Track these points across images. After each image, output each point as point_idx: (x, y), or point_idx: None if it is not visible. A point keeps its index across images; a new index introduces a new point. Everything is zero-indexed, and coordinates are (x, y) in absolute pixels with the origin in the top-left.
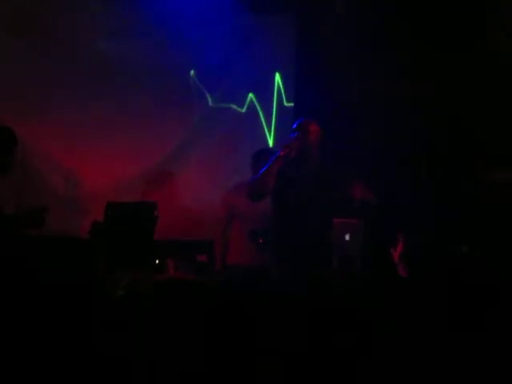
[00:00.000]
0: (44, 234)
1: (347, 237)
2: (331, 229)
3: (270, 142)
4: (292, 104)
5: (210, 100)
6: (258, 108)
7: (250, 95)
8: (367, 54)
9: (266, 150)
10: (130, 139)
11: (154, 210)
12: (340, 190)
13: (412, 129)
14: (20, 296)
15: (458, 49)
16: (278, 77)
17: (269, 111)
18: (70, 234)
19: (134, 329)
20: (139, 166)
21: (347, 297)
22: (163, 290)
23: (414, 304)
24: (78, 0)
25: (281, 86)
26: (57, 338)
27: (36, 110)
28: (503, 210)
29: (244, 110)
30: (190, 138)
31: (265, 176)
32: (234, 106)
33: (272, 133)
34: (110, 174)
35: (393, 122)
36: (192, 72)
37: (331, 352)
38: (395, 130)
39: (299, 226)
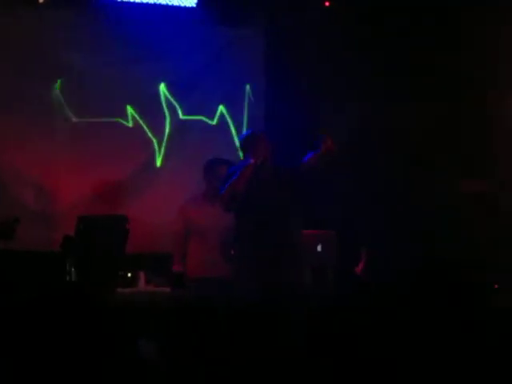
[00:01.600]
0: (15, 248)
1: (319, 248)
2: (301, 237)
3: (241, 154)
4: (262, 116)
5: (180, 112)
6: (229, 120)
7: (221, 107)
8: (335, 65)
9: (219, 161)
10: (101, 151)
11: (125, 223)
12: (295, 173)
13: (381, 141)
14: None
15: (430, 66)
16: (248, 89)
17: (239, 123)
18: (42, 248)
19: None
20: (110, 180)
21: (319, 307)
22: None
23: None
24: (47, 13)
25: (251, 97)
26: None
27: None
28: (474, 218)
29: (215, 122)
30: (160, 150)
31: (238, 184)
32: (204, 119)
33: None
34: (81, 189)
35: (362, 132)
36: (162, 85)
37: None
38: (364, 140)
39: (268, 234)
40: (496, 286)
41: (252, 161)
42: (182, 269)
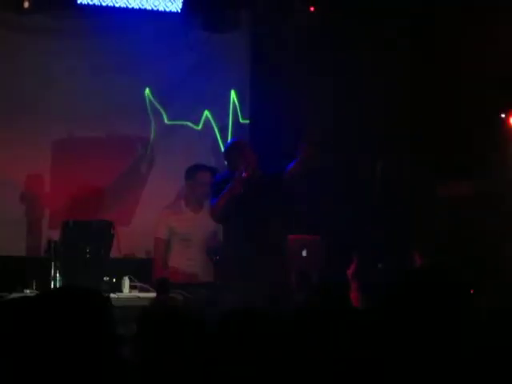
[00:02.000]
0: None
1: (304, 253)
2: (286, 241)
3: (227, 163)
4: (248, 121)
5: (165, 117)
6: (214, 125)
7: (206, 112)
8: (322, 70)
9: (200, 167)
10: (86, 157)
11: (111, 228)
12: (278, 181)
13: (366, 145)
14: None
15: (415, 72)
16: (233, 94)
17: (225, 128)
18: (26, 253)
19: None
20: (95, 185)
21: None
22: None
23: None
24: (29, 21)
25: (236, 103)
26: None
27: None
28: (459, 222)
29: (200, 127)
30: (145, 155)
31: (229, 197)
32: (189, 124)
33: None
34: (66, 194)
35: (346, 138)
36: (147, 90)
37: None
38: (349, 145)
39: (257, 241)
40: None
41: (245, 175)
42: (165, 274)
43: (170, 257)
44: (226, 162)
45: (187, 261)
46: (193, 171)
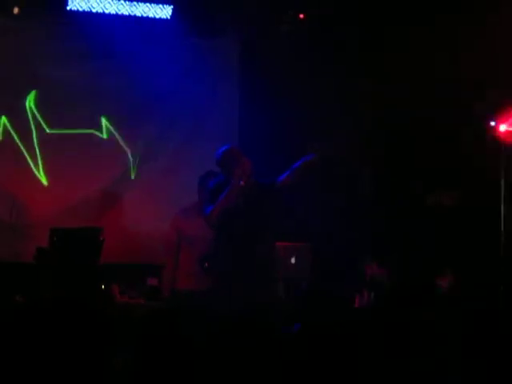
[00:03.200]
0: None
1: (293, 260)
2: (276, 252)
3: (221, 169)
4: (236, 126)
5: (154, 124)
6: (203, 131)
7: (195, 118)
8: (311, 75)
9: (210, 174)
10: (76, 163)
11: (99, 234)
12: (270, 190)
13: (356, 152)
14: None
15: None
16: (222, 99)
17: (214, 134)
18: (15, 259)
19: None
20: (84, 191)
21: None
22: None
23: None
24: (21, 23)
25: (225, 108)
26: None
27: None
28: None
29: (188, 133)
30: (135, 162)
31: (225, 205)
32: (178, 129)
33: None
34: (55, 200)
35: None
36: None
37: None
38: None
39: (247, 250)
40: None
41: (242, 183)
42: (172, 280)
43: (179, 261)
44: (220, 169)
45: (194, 266)
46: (202, 180)
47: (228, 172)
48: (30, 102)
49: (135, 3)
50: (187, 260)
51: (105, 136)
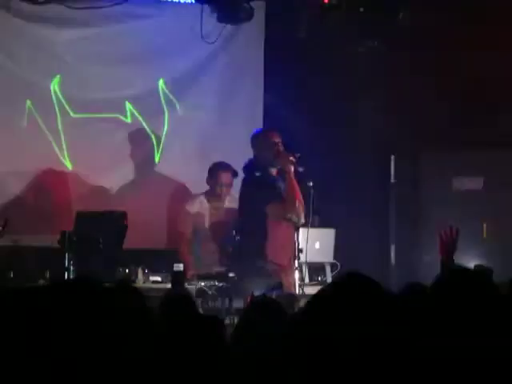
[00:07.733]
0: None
1: (317, 245)
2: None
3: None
4: (261, 111)
5: (179, 108)
6: (229, 116)
7: (219, 103)
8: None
9: (221, 165)
10: (99, 147)
11: (124, 219)
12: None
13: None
14: None
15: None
16: (246, 84)
17: (239, 119)
18: (41, 243)
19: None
20: (108, 175)
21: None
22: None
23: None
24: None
25: (250, 93)
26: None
27: None
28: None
29: (214, 117)
30: (159, 146)
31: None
32: (203, 114)
33: None
34: (80, 185)
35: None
36: (161, 81)
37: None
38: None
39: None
40: None
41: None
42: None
43: (192, 250)
44: (255, 150)
45: (207, 254)
46: (214, 171)
47: (265, 155)
48: (54, 86)
49: None
50: (200, 249)
51: (129, 120)
